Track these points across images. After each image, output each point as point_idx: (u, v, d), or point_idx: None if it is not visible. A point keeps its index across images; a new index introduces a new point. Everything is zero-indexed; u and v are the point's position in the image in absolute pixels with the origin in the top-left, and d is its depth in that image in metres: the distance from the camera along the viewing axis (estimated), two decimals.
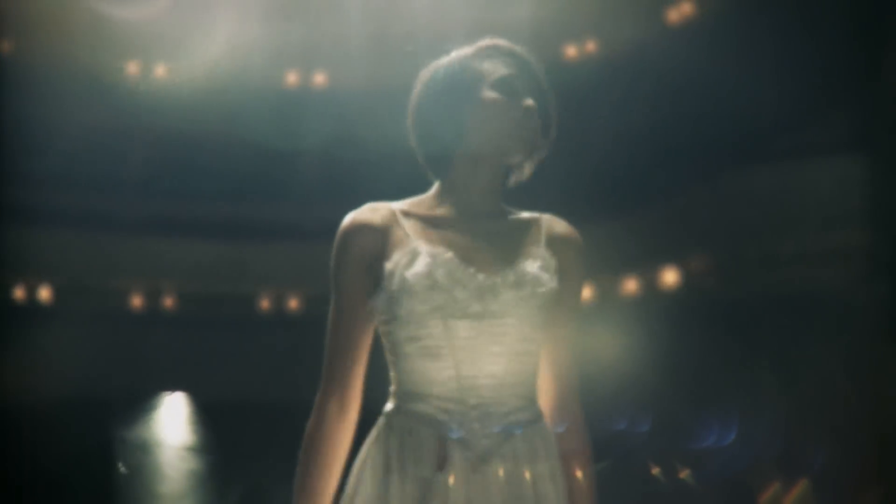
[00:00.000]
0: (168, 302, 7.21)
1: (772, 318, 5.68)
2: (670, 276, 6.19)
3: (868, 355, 5.31)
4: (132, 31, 6.42)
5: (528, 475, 2.22)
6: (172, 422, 6.90)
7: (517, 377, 2.24)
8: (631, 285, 6.37)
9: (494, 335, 2.24)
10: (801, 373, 5.54)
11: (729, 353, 5.68)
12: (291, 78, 6.73)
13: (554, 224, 2.33)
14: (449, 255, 2.25)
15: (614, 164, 6.13)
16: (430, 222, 2.31)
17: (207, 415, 6.84)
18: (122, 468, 6.55)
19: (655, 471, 5.58)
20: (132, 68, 6.59)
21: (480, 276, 2.25)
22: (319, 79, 6.69)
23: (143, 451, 6.73)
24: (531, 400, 2.25)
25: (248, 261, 7.22)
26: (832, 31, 5.38)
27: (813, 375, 5.49)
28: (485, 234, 2.29)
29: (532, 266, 2.26)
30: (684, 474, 5.59)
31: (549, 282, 2.28)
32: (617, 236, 6.30)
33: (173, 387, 7.05)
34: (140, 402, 6.95)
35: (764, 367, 5.69)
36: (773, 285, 5.82)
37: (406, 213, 2.32)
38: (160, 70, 6.60)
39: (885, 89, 5.35)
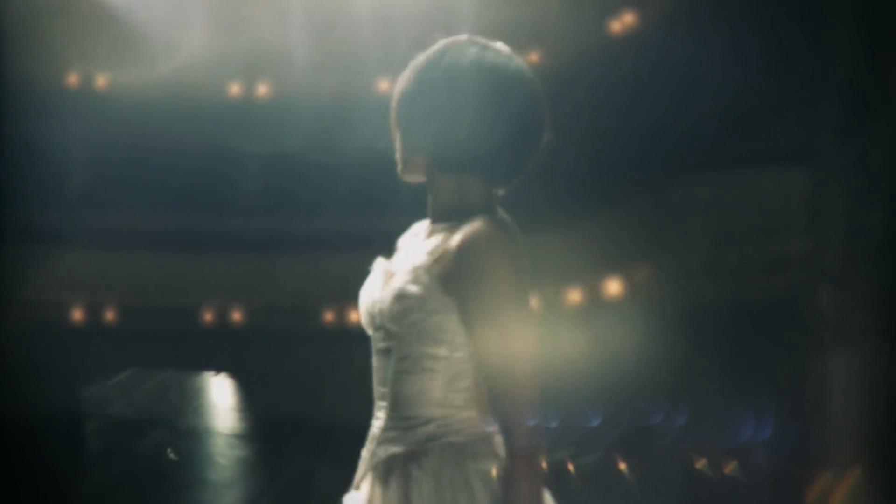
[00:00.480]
0: (109, 315, 7.14)
1: (716, 327, 5.70)
2: (614, 286, 6.20)
3: (811, 363, 5.34)
4: (72, 41, 6.37)
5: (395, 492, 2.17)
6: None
7: (405, 394, 2.20)
8: (574, 295, 6.38)
9: (381, 352, 2.23)
10: (745, 380, 5.56)
11: (673, 362, 5.70)
12: (234, 89, 6.70)
13: (458, 233, 2.25)
14: (372, 272, 2.25)
15: (557, 175, 6.13)
16: (411, 234, 2.32)
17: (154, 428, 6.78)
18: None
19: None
20: (72, 80, 6.54)
21: (376, 295, 2.21)
22: (262, 90, 6.66)
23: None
24: (428, 417, 2.20)
25: (190, 273, 7.17)
26: (774, 42, 5.42)
27: (757, 382, 5.51)
28: (413, 248, 2.28)
29: (402, 280, 2.21)
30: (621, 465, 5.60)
31: (414, 296, 2.21)
32: (560, 246, 6.31)
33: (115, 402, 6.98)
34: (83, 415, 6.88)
35: (709, 376, 5.70)
36: (717, 294, 5.84)
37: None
38: (101, 81, 6.55)
39: (827, 99, 5.39)
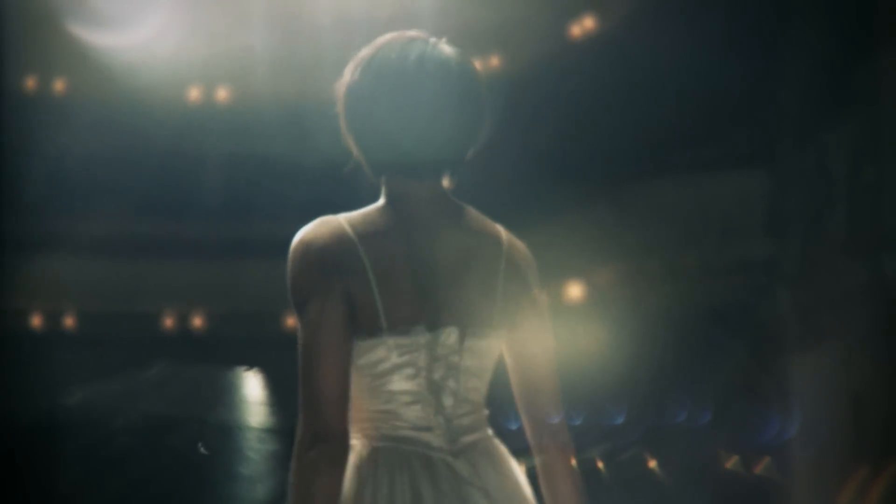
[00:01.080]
0: (68, 321, 7.10)
1: (676, 330, 5.72)
2: (575, 290, 6.22)
3: (771, 365, 5.37)
4: (30, 46, 6.33)
5: None
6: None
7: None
8: None
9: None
10: (706, 383, 5.58)
11: (634, 366, 5.71)
12: (194, 93, 6.67)
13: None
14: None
15: (517, 179, 6.14)
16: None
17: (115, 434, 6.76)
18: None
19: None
20: (30, 85, 6.50)
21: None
22: (222, 94, 6.64)
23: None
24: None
25: (150, 278, 7.14)
26: (733, 45, 5.44)
27: (718, 385, 5.53)
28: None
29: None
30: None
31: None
32: None
33: (73, 405, 6.95)
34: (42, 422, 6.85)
35: (668, 380, 5.72)
36: (677, 297, 5.87)
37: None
38: (58, 86, 6.51)
39: (785, 102, 5.42)
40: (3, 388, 6.75)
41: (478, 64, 2.30)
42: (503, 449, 2.29)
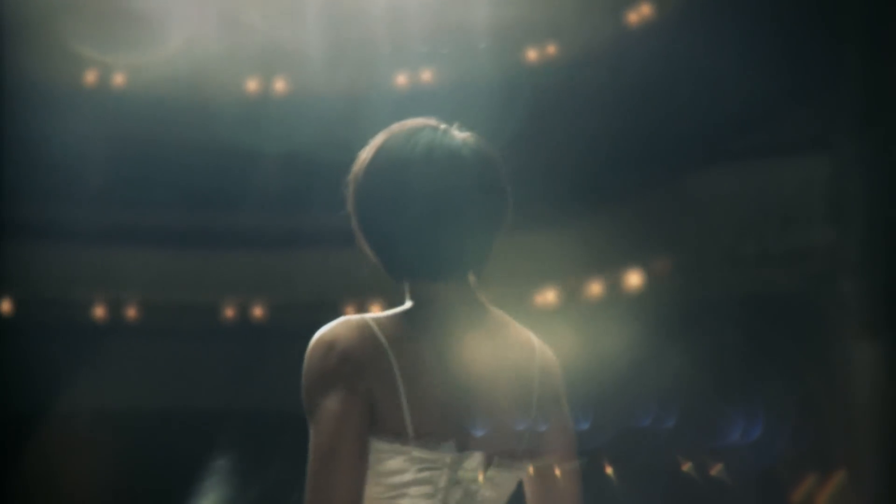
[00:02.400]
0: (131, 312, 7.16)
1: (736, 319, 5.69)
2: (634, 278, 6.19)
3: (834, 353, 5.32)
4: (89, 39, 6.38)
5: None
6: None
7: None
8: (595, 288, 6.37)
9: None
10: (769, 372, 5.55)
11: (694, 355, 5.68)
12: (252, 85, 6.70)
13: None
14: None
15: (576, 167, 6.12)
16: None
17: (176, 426, 6.81)
18: None
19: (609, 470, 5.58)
20: (90, 77, 6.55)
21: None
22: (280, 85, 6.66)
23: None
24: None
25: (210, 270, 7.19)
26: (794, 31, 5.40)
27: (779, 375, 5.49)
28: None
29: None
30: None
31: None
32: (580, 239, 6.30)
33: (139, 398, 7.01)
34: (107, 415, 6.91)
35: (730, 369, 5.69)
36: (737, 285, 5.83)
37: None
38: (118, 79, 6.56)
39: (846, 88, 5.36)
40: (67, 379, 6.82)
41: (493, 151, 2.08)
42: None
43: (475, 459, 2.02)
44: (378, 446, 2.00)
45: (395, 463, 2.00)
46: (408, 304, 2.09)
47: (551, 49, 6.24)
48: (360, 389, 1.96)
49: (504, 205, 2.09)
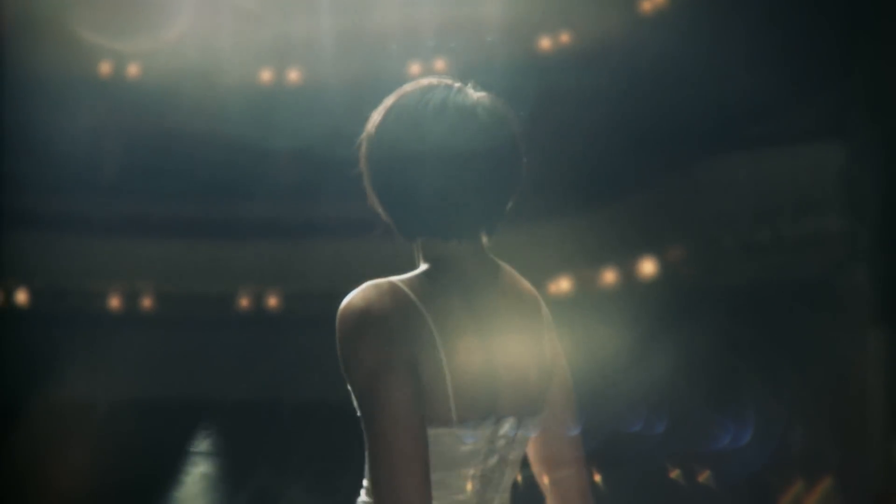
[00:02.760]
0: (146, 302, 7.18)
1: (750, 306, 5.68)
2: (648, 267, 6.19)
3: (848, 340, 5.32)
4: (102, 29, 6.39)
5: None
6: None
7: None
8: (609, 276, 6.37)
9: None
10: (782, 359, 5.54)
11: (709, 342, 5.68)
12: (266, 75, 6.71)
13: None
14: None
15: (589, 156, 6.12)
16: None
17: (193, 416, 6.82)
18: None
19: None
20: (103, 69, 6.56)
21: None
22: (293, 76, 6.67)
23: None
24: None
25: (225, 260, 7.20)
26: (807, 18, 5.38)
27: (794, 361, 5.49)
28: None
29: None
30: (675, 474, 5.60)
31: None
32: (594, 227, 6.29)
33: (154, 388, 7.03)
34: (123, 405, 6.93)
35: (744, 356, 5.69)
36: (751, 273, 5.82)
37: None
38: (132, 70, 6.57)
39: (860, 75, 5.35)
40: (82, 370, 6.84)
41: (509, 111, 2.03)
42: None
43: (508, 424, 1.99)
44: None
45: (437, 444, 1.92)
46: (423, 266, 2.03)
47: (564, 38, 6.23)
48: (403, 359, 1.86)
49: (518, 164, 2.05)
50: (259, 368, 6.87)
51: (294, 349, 6.67)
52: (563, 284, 6.37)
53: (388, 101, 2.08)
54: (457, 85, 2.06)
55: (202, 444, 6.63)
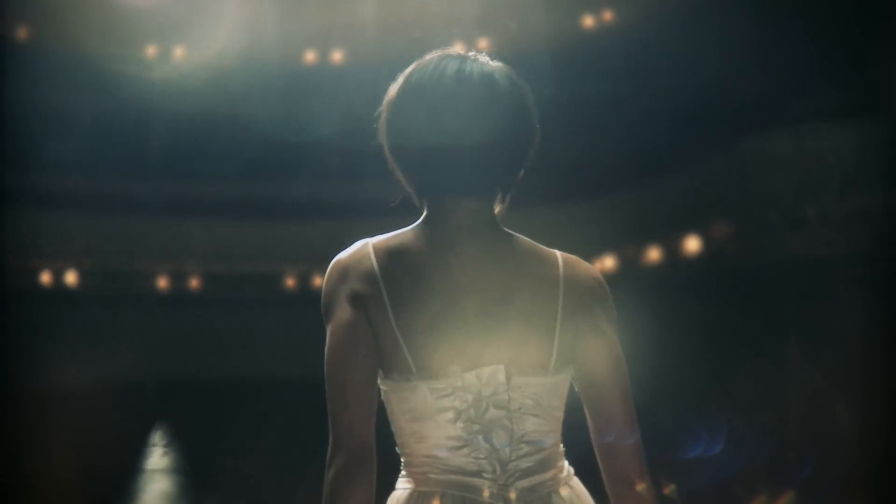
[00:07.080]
0: (193, 283, 7.24)
1: (795, 283, 5.68)
2: (693, 244, 6.19)
3: (892, 313, 5.31)
4: (147, 14, 6.43)
5: None
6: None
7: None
8: (654, 254, 6.37)
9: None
10: (829, 336, 5.54)
11: (753, 319, 5.68)
12: (309, 57, 6.74)
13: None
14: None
15: (634, 134, 6.12)
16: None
17: (240, 393, 6.88)
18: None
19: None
20: (149, 52, 6.61)
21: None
22: (337, 57, 6.70)
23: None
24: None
25: (271, 240, 7.25)
26: None
27: (839, 339, 5.48)
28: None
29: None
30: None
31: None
32: (639, 205, 6.30)
33: (203, 368, 7.09)
34: (174, 384, 7.00)
35: (791, 333, 5.68)
36: (796, 249, 5.81)
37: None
38: (177, 53, 6.62)
39: None
40: (131, 349, 6.92)
41: (521, 79, 2.13)
42: (579, 490, 2.14)
43: (495, 374, 2.09)
44: (393, 386, 2.09)
45: (412, 399, 2.08)
46: (417, 224, 2.15)
47: (607, 16, 6.23)
48: (358, 314, 2.08)
49: (530, 129, 2.13)
50: (306, 347, 6.92)
51: None
52: (607, 262, 6.39)
53: (406, 72, 2.17)
54: (472, 54, 2.17)
55: (254, 423, 6.68)
